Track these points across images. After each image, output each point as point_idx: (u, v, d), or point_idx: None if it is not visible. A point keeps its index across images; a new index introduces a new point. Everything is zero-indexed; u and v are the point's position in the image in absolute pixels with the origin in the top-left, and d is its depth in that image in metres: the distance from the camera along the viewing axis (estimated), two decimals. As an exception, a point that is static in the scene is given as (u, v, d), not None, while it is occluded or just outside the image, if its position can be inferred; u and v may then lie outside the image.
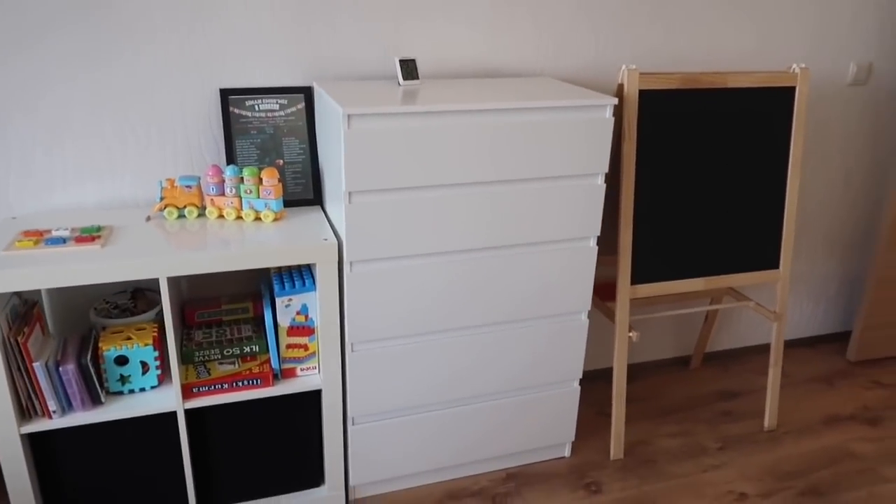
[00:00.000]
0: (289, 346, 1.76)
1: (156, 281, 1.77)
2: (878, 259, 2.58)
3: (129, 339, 1.69)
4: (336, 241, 1.66)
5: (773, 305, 2.27)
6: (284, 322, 1.73)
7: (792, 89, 2.05)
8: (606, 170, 1.79)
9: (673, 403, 2.45)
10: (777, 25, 2.31)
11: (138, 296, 1.89)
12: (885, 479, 2.09)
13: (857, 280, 2.87)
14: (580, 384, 2.03)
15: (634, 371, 2.64)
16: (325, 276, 1.66)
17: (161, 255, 1.54)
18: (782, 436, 2.29)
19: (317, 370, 1.80)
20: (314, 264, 1.68)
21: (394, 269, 1.71)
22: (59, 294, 1.85)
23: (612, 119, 1.74)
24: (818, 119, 2.51)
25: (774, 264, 2.17)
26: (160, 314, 1.75)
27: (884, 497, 2.02)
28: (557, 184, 1.76)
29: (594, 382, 2.51)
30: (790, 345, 2.86)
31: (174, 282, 1.79)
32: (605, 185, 1.80)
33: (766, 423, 2.31)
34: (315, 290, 1.71)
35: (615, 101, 1.72)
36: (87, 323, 1.85)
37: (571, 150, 1.74)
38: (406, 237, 1.68)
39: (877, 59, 2.49)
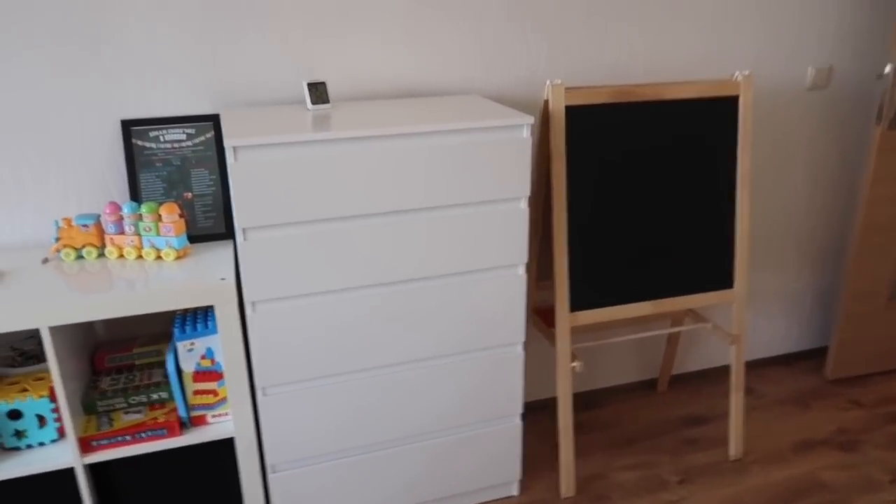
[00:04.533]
0: (196, 392, 1.65)
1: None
2: (851, 269, 2.44)
3: (25, 390, 1.59)
4: (235, 281, 1.56)
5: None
6: (189, 367, 1.63)
7: (735, 98, 1.93)
8: (528, 193, 1.67)
9: (635, 431, 2.32)
10: (724, 31, 2.19)
11: (45, 342, 1.79)
12: (856, 511, 1.95)
13: (832, 292, 2.72)
14: (532, 415, 1.92)
15: (597, 397, 2.51)
16: (226, 317, 1.56)
17: (42, 304, 1.45)
18: (749, 465, 2.14)
19: (229, 416, 1.69)
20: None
21: (303, 308, 1.60)
22: (-39, 343, 1.76)
23: (530, 139, 1.63)
24: (777, 125, 2.38)
25: (728, 283, 2.04)
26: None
27: (853, 532, 1.88)
28: (476, 210, 1.65)
29: (547, 412, 2.37)
30: (764, 363, 2.71)
31: (84, 324, 1.70)
32: (528, 209, 1.69)
33: (732, 451, 2.17)
34: (217, 332, 1.61)
35: (531, 119, 1.61)
36: (-10, 372, 1.76)
37: (488, 174, 1.63)
38: (313, 273, 1.58)
39: (837, 62, 2.36)
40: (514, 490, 2.02)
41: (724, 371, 2.65)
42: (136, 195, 1.75)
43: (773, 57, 2.28)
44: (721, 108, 1.92)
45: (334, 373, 1.69)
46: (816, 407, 2.44)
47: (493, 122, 1.59)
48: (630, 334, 2.04)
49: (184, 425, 1.67)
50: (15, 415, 1.57)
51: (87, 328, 1.78)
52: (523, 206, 1.69)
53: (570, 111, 1.79)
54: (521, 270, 1.75)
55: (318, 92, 1.74)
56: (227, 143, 1.43)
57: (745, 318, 2.06)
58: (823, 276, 2.68)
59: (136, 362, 1.81)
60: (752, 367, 2.69)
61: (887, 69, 2.22)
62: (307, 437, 1.72)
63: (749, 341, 2.67)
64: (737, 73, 1.92)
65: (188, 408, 1.66)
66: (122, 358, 1.80)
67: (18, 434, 1.59)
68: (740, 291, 2.05)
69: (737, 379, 2.11)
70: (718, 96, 1.91)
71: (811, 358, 2.75)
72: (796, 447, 2.22)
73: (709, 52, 2.20)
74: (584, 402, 2.47)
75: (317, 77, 1.85)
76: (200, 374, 1.64)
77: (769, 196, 2.47)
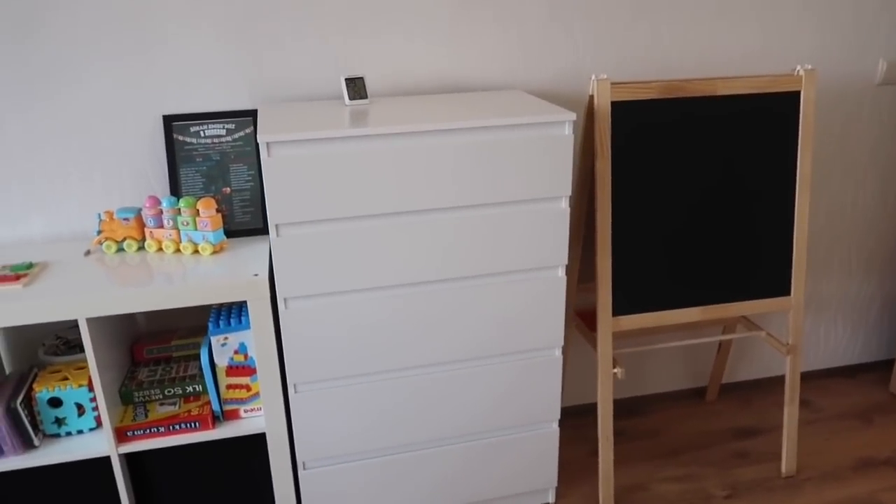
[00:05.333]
0: (229, 387, 1.66)
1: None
2: (922, 279, 2.28)
3: (65, 379, 1.62)
4: (268, 277, 1.55)
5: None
6: (222, 362, 1.63)
7: (796, 94, 1.81)
8: (569, 192, 1.61)
9: (680, 441, 2.22)
10: (785, 21, 2.06)
11: (88, 331, 1.83)
12: (919, 538, 1.82)
13: (902, 301, 2.56)
14: (573, 420, 1.86)
15: (642, 404, 2.42)
16: (258, 313, 1.55)
17: (80, 295, 1.47)
18: (802, 483, 2.03)
19: (262, 412, 1.69)
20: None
21: (336, 305, 1.58)
22: (8, 331, 1.80)
23: (572, 136, 1.56)
24: (843, 123, 2.23)
25: (785, 290, 1.93)
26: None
27: (916, 561, 1.75)
28: (515, 209, 1.60)
29: (589, 417, 2.29)
30: (825, 375, 2.57)
31: (125, 316, 1.73)
32: (569, 209, 1.63)
33: (784, 467, 2.05)
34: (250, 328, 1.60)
35: (573, 116, 1.54)
36: (37, 360, 1.80)
37: (528, 172, 1.57)
38: (347, 270, 1.56)
39: (912, 55, 2.20)
40: (550, 497, 1.96)
41: (778, 381, 2.52)
42: (176, 189, 1.77)
43: (840, 49, 2.14)
44: (780, 104, 1.81)
45: (366, 372, 1.66)
46: (880, 423, 2.30)
47: (533, 119, 1.53)
48: (679, 340, 1.95)
49: (217, 419, 1.67)
50: (55, 402, 1.60)
51: (127, 319, 1.81)
52: (564, 205, 1.62)
53: (617, 107, 1.71)
54: (561, 272, 1.69)
55: (356, 87, 1.72)
56: (261, 138, 1.42)
57: (803, 327, 1.94)
58: (892, 284, 2.52)
59: (174, 354, 1.82)
60: (811, 378, 2.55)
61: (968, 63, 2.06)
62: (339, 436, 1.70)
63: (808, 351, 2.53)
64: (798, 68, 1.80)
65: (221, 402, 1.66)
66: (161, 350, 1.82)
67: (58, 421, 1.62)
68: (797, 299, 1.93)
69: (791, 391, 2.00)
70: (778, 92, 1.80)
71: (876, 370, 2.59)
72: (856, 466, 2.09)
73: (768, 45, 2.08)
74: (628, 408, 2.39)
75: (356, 72, 1.83)
76: (233, 369, 1.64)
77: (833, 198, 2.33)
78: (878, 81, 2.21)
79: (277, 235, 1.50)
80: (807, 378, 2.55)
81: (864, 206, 2.37)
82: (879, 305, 2.54)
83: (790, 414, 2.02)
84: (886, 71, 2.18)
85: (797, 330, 1.95)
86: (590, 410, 2.33)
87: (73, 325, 1.84)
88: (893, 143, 2.30)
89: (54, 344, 1.78)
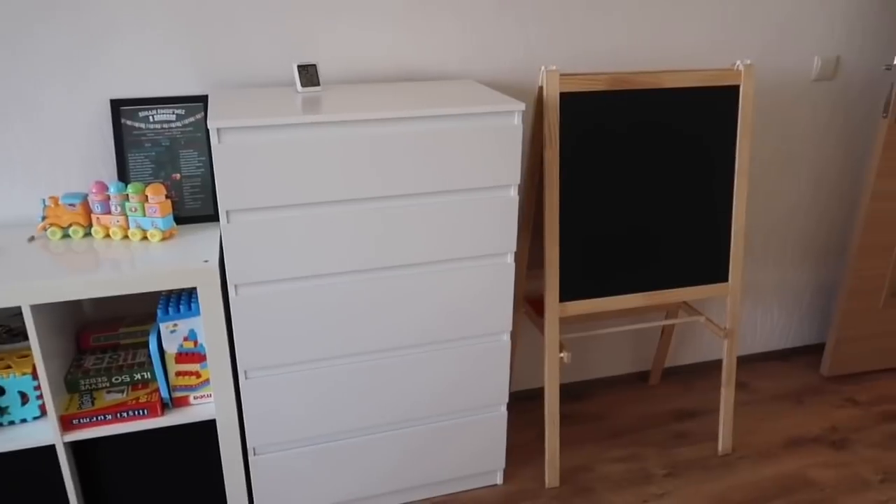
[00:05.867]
0: (179, 374, 1.65)
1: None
2: (851, 266, 2.40)
3: (8, 367, 1.59)
4: (219, 263, 1.54)
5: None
6: (171, 348, 1.62)
7: (736, 88, 1.88)
8: (518, 181, 1.65)
9: (624, 424, 2.30)
10: (730, 18, 2.14)
11: (32, 319, 1.79)
12: (843, 510, 1.94)
13: (832, 288, 2.69)
14: (522, 404, 1.91)
15: (588, 388, 2.49)
16: (208, 300, 1.55)
17: (24, 282, 1.44)
18: (737, 461, 2.13)
19: (212, 398, 1.69)
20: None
21: (286, 292, 1.59)
22: (-52, 318, 1.76)
23: (521, 126, 1.60)
24: (783, 118, 2.33)
25: (723, 277, 2.01)
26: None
27: (839, 531, 1.87)
28: (464, 197, 1.63)
29: (537, 401, 2.35)
30: (760, 358, 2.69)
31: (71, 303, 1.70)
32: (518, 198, 1.67)
33: (720, 447, 2.15)
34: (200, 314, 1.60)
35: (522, 106, 1.58)
36: (-23, 348, 1.76)
37: (478, 161, 1.60)
38: (298, 257, 1.56)
39: (844, 52, 2.30)
40: (499, 479, 2.01)
41: (718, 365, 2.63)
42: (124, 175, 1.74)
43: (780, 46, 2.23)
44: (721, 98, 1.88)
45: (317, 358, 1.68)
46: (810, 404, 2.42)
47: (483, 109, 1.56)
48: (624, 325, 2.03)
49: (165, 406, 1.67)
50: (-3, 391, 1.58)
51: (73, 307, 1.78)
52: (513, 193, 1.66)
53: (565, 98, 1.75)
54: (510, 259, 1.73)
55: (309, 74, 1.72)
56: (211, 124, 1.41)
57: (740, 313, 2.04)
58: (825, 272, 2.65)
59: (122, 342, 1.80)
60: (748, 361, 2.67)
61: None
62: (289, 421, 1.72)
63: (745, 336, 2.65)
64: (738, 63, 1.87)
65: (170, 389, 1.66)
66: (108, 337, 1.79)
67: (0, 410, 1.59)
68: (735, 285, 2.02)
69: (728, 374, 2.09)
70: (719, 86, 1.87)
71: (808, 354, 2.72)
72: (786, 444, 2.20)
73: (714, 41, 2.15)
74: (575, 392, 2.46)
75: (309, 59, 1.83)
76: (183, 356, 1.64)
77: (771, 189, 2.43)
78: (813, 77, 2.31)
79: (228, 222, 1.50)
80: (744, 361, 2.66)
81: (800, 196, 2.48)
82: (811, 292, 2.67)
83: (727, 396, 2.11)
84: (821, 67, 2.29)
85: (734, 315, 2.04)
86: (537, 395, 2.39)
87: (17, 312, 1.80)
88: (827, 136, 2.41)
89: (-4, 332, 1.74)
